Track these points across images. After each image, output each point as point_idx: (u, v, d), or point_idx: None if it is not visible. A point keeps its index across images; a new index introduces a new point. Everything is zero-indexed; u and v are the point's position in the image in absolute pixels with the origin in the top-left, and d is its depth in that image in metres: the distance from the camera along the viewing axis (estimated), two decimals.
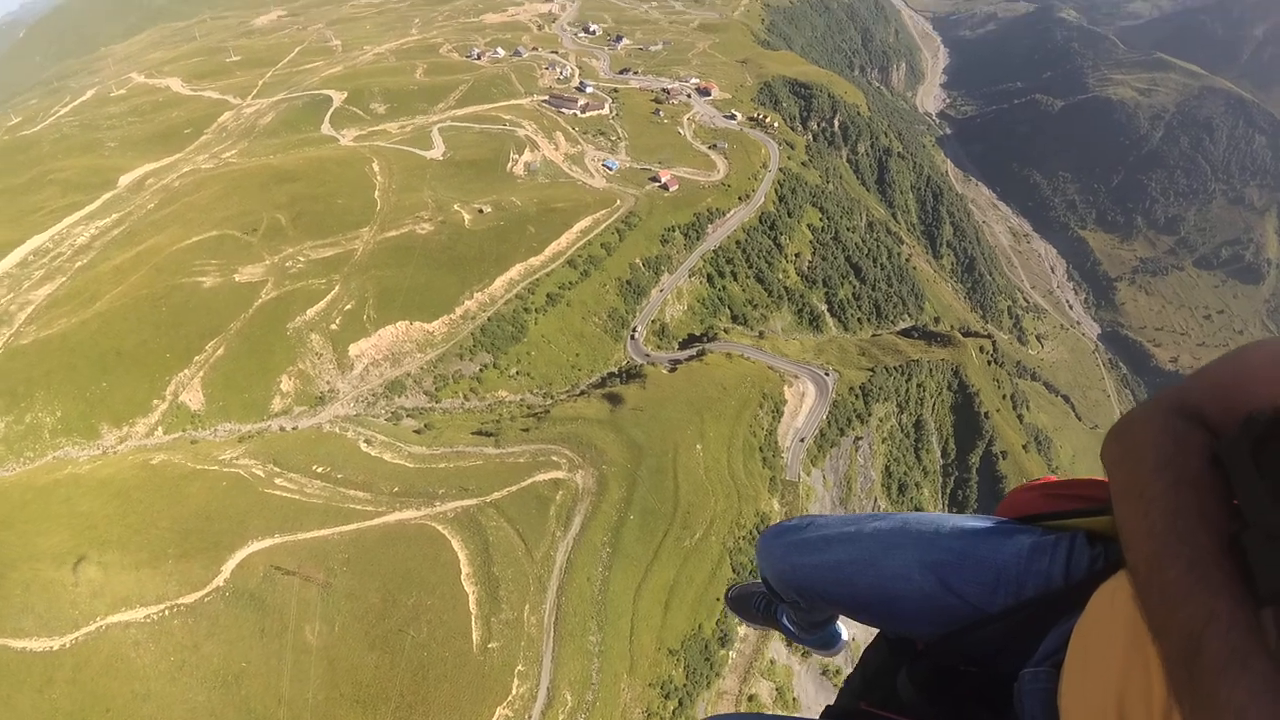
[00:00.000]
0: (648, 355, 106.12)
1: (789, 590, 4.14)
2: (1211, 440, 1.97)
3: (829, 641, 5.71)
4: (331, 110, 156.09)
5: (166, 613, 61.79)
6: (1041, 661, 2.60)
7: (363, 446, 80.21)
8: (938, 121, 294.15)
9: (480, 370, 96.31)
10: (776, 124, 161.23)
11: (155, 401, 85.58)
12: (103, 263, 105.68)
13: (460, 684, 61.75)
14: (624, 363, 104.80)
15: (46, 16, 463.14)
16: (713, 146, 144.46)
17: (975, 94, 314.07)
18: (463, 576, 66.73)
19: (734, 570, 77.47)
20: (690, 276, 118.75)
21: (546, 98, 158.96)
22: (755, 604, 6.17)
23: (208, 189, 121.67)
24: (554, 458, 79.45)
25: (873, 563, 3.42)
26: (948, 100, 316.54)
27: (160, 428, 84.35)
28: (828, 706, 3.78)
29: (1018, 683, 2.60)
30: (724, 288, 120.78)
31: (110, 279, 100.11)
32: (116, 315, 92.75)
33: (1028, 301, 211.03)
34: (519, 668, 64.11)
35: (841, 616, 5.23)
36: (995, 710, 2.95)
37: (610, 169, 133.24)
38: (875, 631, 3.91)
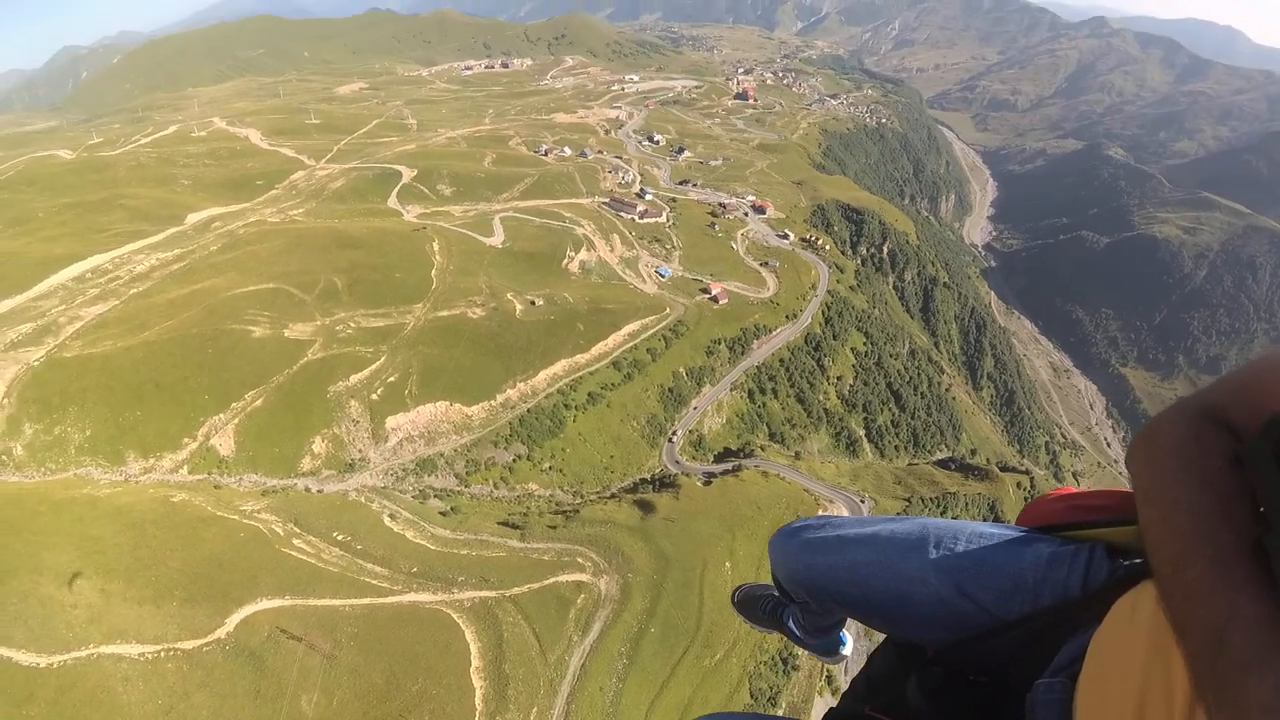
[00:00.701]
0: (683, 465, 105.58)
1: (800, 591, 4.21)
2: (1235, 443, 2.00)
3: (833, 647, 5.77)
4: (400, 185, 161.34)
5: (162, 654, 60.58)
6: (1057, 673, 2.61)
7: (386, 520, 79.74)
8: (983, 253, 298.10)
9: (513, 460, 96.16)
10: (828, 246, 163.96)
11: (186, 439, 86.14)
12: (158, 294, 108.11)
13: None
14: (658, 470, 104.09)
15: (142, 48, 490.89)
16: (764, 264, 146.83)
17: (1021, 228, 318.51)
18: (472, 669, 64.94)
19: (752, 696, 74.98)
20: (731, 390, 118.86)
21: (607, 200, 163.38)
22: (762, 606, 6.24)
23: (270, 242, 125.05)
24: (579, 559, 78.17)
25: (889, 565, 3.45)
26: (994, 233, 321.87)
27: (186, 466, 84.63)
28: (830, 709, 3.79)
29: (1031, 693, 2.61)
30: (764, 404, 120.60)
31: (162, 311, 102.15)
32: (162, 348, 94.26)
33: (1065, 438, 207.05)
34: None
35: (850, 623, 5.15)
36: None
37: (663, 276, 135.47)
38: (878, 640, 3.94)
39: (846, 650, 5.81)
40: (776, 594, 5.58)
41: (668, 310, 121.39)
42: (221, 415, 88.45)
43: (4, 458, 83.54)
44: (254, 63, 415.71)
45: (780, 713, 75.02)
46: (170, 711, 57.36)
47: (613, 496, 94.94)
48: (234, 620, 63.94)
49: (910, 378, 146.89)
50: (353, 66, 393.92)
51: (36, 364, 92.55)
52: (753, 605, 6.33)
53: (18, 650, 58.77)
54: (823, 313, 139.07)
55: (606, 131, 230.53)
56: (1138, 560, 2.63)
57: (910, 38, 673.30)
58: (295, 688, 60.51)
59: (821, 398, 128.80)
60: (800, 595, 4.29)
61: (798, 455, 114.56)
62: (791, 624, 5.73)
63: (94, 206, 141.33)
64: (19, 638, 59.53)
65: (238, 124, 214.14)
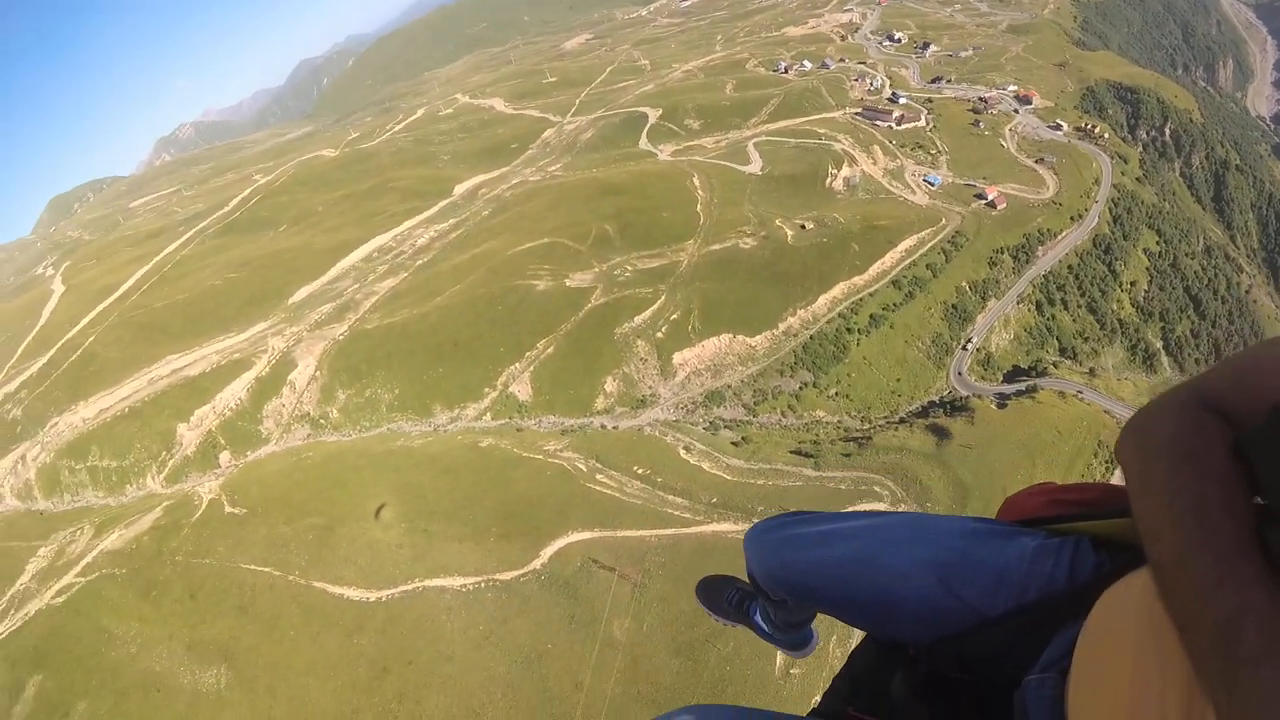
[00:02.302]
0: (972, 385, 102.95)
1: (778, 588, 4.09)
2: (1232, 432, 2.02)
3: (802, 642, 5.68)
4: (648, 126, 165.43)
5: (482, 585, 67.90)
6: (1047, 668, 2.64)
7: (681, 453, 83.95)
8: (1272, 126, 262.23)
9: (799, 388, 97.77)
10: (1106, 134, 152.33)
11: (486, 389, 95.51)
12: (442, 262, 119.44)
13: (756, 705, 62.68)
14: (946, 392, 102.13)
15: (373, 47, 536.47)
16: (1039, 160, 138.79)
17: None
18: None
19: None
20: (1018, 303, 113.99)
21: (859, 110, 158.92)
22: (728, 597, 6.05)
23: (537, 200, 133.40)
24: (876, 488, 78.56)
25: (871, 561, 3.44)
26: None
27: (489, 414, 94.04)
28: (813, 709, 3.96)
29: (1020, 690, 2.64)
30: (1053, 317, 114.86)
31: (449, 277, 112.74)
32: (454, 310, 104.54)
33: None
34: (815, 699, 64.09)
35: (824, 618, 4.98)
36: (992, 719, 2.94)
37: (932, 184, 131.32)
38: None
39: (813, 646, 5.72)
40: (745, 585, 5.74)
41: (943, 221, 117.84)
42: (517, 365, 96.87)
43: (322, 421, 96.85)
44: (479, 37, 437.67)
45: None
46: (490, 636, 64.35)
47: (902, 421, 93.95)
48: (547, 552, 70.18)
49: (1209, 280, 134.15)
50: (572, 20, 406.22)
51: (342, 338, 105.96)
52: (717, 596, 6.16)
53: (348, 588, 68.71)
54: (1109, 210, 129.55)
55: (842, 38, 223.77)
56: (1123, 552, 2.72)
57: None
58: (608, 614, 65.56)
59: (1115, 306, 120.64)
60: (778, 593, 4.19)
61: (1092, 372, 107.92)
62: (759, 618, 5.67)
63: (366, 194, 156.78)
64: (349, 576, 69.58)
65: (480, 96, 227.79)
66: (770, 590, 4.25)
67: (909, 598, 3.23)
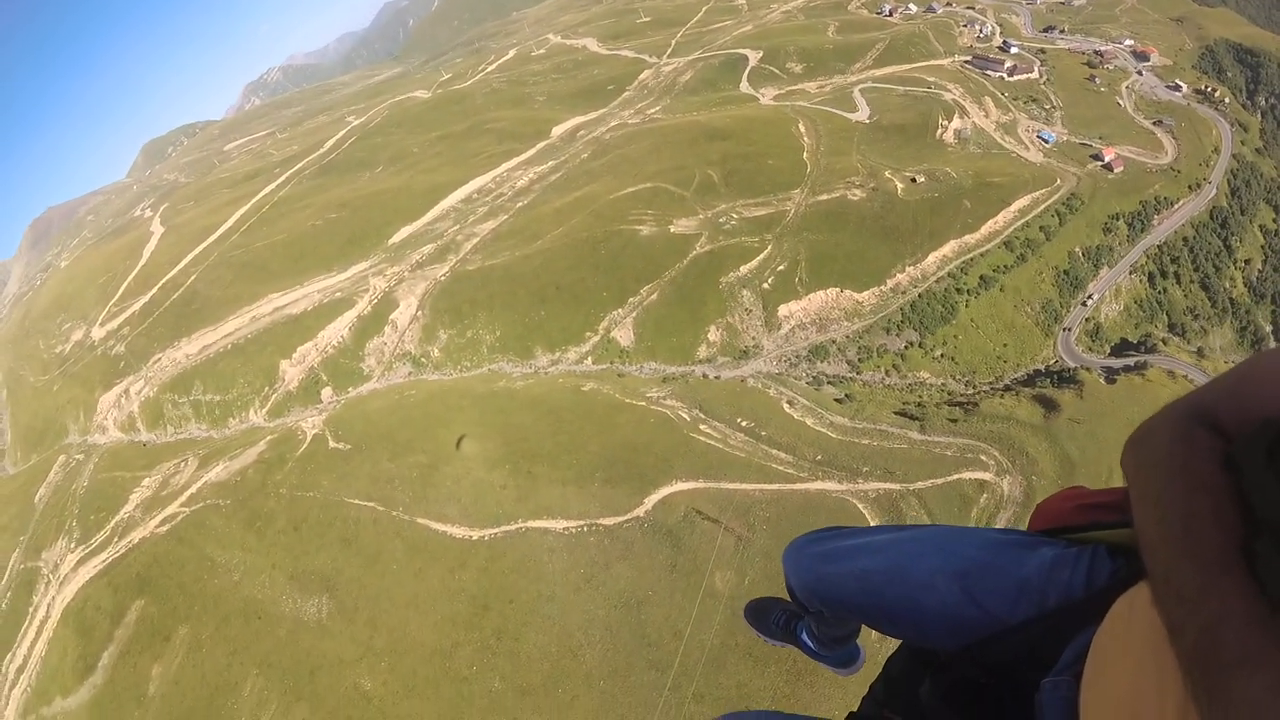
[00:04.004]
0: (1079, 356, 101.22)
1: (815, 601, 4.45)
2: (1225, 445, 2.12)
3: (848, 659, 5.98)
4: (749, 69, 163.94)
5: (585, 529, 69.56)
6: (1062, 671, 2.81)
7: (785, 407, 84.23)
8: None
9: (905, 347, 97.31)
10: (1227, 99, 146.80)
11: (588, 334, 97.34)
12: (542, 205, 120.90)
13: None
14: (1053, 361, 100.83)
15: None
16: (1158, 122, 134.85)
17: None
18: None
19: None
20: (1130, 273, 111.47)
21: (969, 58, 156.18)
22: (775, 619, 6.34)
23: (638, 143, 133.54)
24: (982, 456, 78.01)
25: (899, 572, 3.73)
26: None
27: (590, 358, 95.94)
28: (851, 713, 4.17)
29: (1038, 693, 2.81)
30: (1164, 290, 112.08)
31: (551, 220, 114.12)
32: (557, 253, 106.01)
33: None
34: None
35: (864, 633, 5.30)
36: None
37: (1047, 141, 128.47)
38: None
39: (860, 663, 6.03)
40: (790, 605, 6.01)
41: (1058, 181, 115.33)
42: (620, 310, 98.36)
43: (423, 360, 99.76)
44: None
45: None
46: (591, 580, 65.94)
47: (1008, 389, 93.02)
48: (652, 500, 71.42)
49: None
50: None
51: (443, 279, 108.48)
52: (765, 617, 6.46)
53: (452, 525, 71.16)
54: (1228, 182, 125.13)
55: None
56: (1139, 560, 2.66)
57: None
58: (711, 565, 66.48)
59: (1228, 284, 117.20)
60: (815, 606, 4.54)
61: (1200, 352, 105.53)
62: (805, 637, 5.95)
63: (462, 135, 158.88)
64: (452, 514, 72.01)
65: (572, 36, 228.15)
66: (808, 603, 4.61)
67: (934, 607, 3.54)
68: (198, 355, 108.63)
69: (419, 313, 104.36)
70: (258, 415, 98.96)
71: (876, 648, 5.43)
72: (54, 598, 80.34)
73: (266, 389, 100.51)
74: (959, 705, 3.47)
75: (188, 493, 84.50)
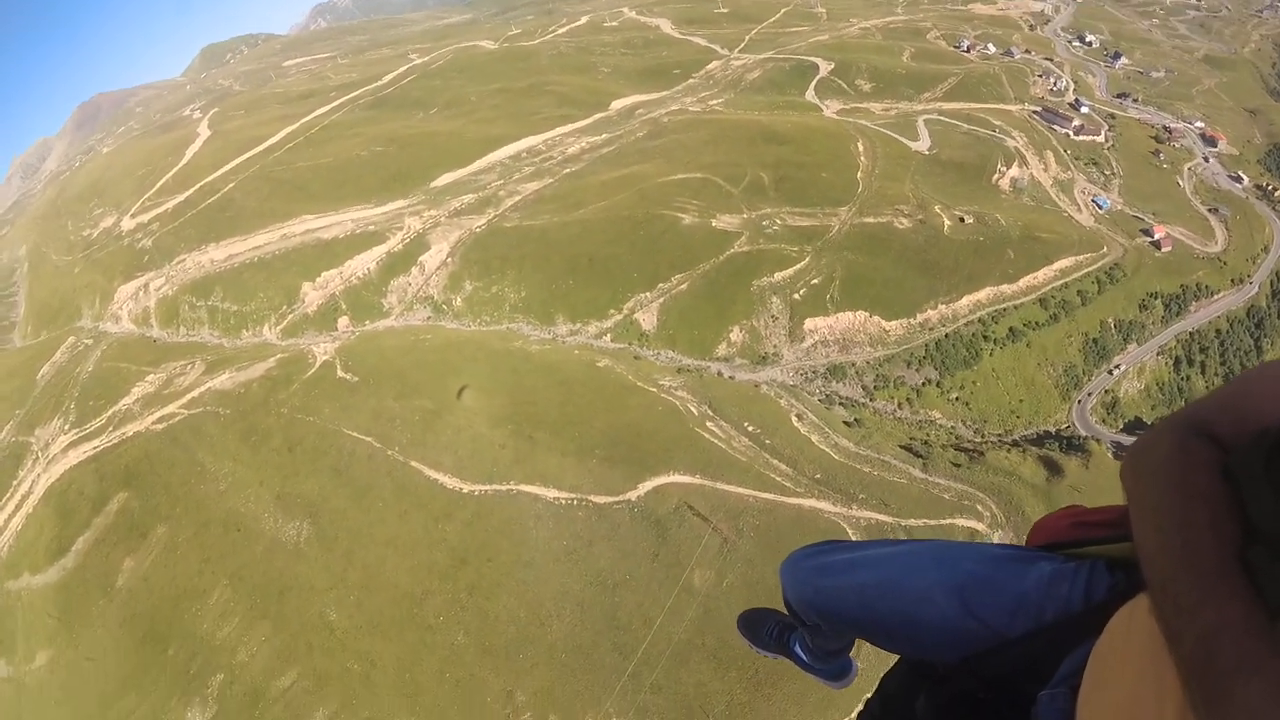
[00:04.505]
0: (1091, 427, 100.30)
1: (812, 614, 4.46)
2: (1222, 455, 2.16)
3: (840, 672, 6.00)
4: (817, 79, 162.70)
5: (575, 502, 69.76)
6: (1059, 684, 2.85)
7: (793, 420, 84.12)
8: None
9: (922, 384, 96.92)
10: None
11: (612, 311, 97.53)
12: (590, 175, 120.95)
13: (811, 686, 63.14)
14: (1065, 426, 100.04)
15: None
16: (1213, 210, 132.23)
17: None
18: None
19: None
20: (1157, 354, 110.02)
21: (1038, 109, 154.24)
22: (769, 630, 6.36)
23: (696, 131, 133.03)
24: (978, 506, 77.71)
25: (896, 586, 3.77)
26: None
27: (609, 335, 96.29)
28: None
29: (1035, 705, 2.84)
30: (1188, 378, 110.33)
31: (595, 192, 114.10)
32: (596, 225, 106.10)
33: None
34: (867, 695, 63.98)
35: (857, 648, 5.45)
36: None
37: (1100, 207, 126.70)
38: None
39: (853, 676, 6.03)
40: (784, 618, 6.07)
41: (1104, 249, 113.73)
42: (647, 293, 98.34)
43: (445, 307, 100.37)
44: None
45: None
46: (572, 553, 66.26)
47: (1016, 444, 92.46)
48: (646, 487, 71.51)
49: None
50: None
51: (479, 230, 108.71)
52: (758, 628, 6.49)
53: (444, 474, 71.64)
54: (1271, 283, 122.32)
55: (1031, 27, 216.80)
56: (1136, 573, 2.67)
57: None
58: (693, 562, 66.56)
59: None
60: (811, 618, 4.55)
61: None
62: (799, 649, 5.98)
63: (522, 92, 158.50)
64: (447, 463, 72.47)
65: (647, 14, 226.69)
66: (804, 616, 4.62)
67: (932, 620, 3.55)
68: (223, 262, 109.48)
69: (449, 259, 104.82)
70: (271, 332, 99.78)
71: (870, 662, 5.52)
72: (39, 475, 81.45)
73: (284, 307, 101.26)
74: (956, 718, 3.51)
75: (189, 395, 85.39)
